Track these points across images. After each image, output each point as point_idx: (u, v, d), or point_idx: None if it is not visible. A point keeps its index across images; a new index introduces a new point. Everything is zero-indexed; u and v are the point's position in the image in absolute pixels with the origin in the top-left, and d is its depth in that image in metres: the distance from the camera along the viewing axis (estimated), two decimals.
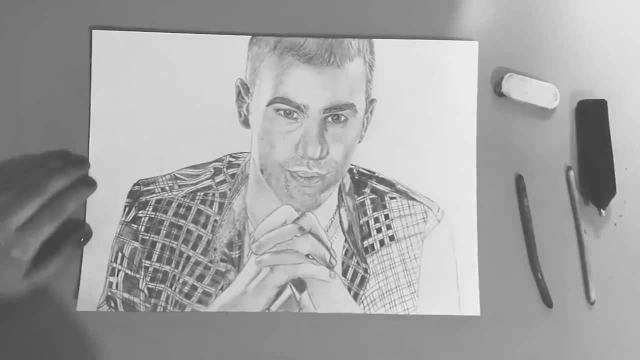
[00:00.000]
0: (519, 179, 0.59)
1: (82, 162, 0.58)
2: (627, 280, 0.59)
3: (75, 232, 0.57)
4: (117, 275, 0.57)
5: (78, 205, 0.56)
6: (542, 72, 0.60)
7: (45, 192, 0.53)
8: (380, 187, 0.59)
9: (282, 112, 0.58)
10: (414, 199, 0.59)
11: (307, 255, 0.58)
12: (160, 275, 0.57)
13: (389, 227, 0.59)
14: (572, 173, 0.59)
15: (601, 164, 0.59)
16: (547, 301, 0.58)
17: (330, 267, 0.58)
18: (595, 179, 0.59)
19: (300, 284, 0.58)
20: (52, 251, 0.54)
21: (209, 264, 0.58)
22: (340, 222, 0.59)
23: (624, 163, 0.60)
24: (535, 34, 0.61)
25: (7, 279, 0.52)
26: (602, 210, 0.58)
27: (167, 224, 0.58)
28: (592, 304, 0.58)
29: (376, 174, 0.59)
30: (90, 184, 0.58)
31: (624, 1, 0.62)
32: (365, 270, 0.58)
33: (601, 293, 0.58)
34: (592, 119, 0.60)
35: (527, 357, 0.58)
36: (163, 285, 0.57)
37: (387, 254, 0.58)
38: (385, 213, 0.59)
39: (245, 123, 0.59)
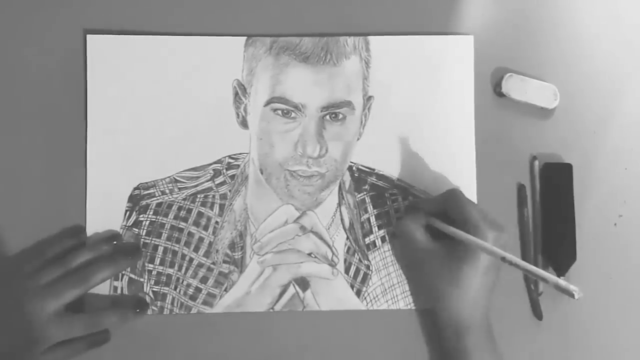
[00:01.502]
0: (520, 189, 0.59)
1: (135, 250, 0.57)
2: (627, 280, 0.59)
3: (132, 303, 0.57)
4: (122, 280, 0.57)
5: (112, 275, 0.56)
6: (542, 72, 0.60)
7: (88, 283, 0.53)
8: (380, 183, 0.59)
9: (279, 112, 0.58)
10: (414, 195, 0.59)
11: (309, 254, 0.58)
12: (164, 278, 0.58)
13: (389, 223, 0.59)
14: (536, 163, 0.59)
15: (562, 230, 0.58)
16: (537, 311, 0.58)
17: (332, 265, 0.58)
18: (555, 244, 0.58)
19: (303, 283, 0.58)
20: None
21: (212, 266, 0.58)
22: (342, 219, 0.59)
23: (623, 163, 0.60)
24: (535, 34, 0.61)
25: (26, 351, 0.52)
26: (561, 277, 0.56)
27: (168, 227, 0.58)
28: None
29: (376, 171, 0.59)
30: (133, 255, 0.57)
31: (624, 1, 0.62)
32: (368, 267, 0.59)
33: (601, 293, 0.59)
34: (557, 182, 0.59)
35: (528, 354, 0.59)
36: (167, 288, 0.58)
37: (389, 250, 0.59)
38: (386, 209, 0.59)
39: (244, 124, 0.59)
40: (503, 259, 0.48)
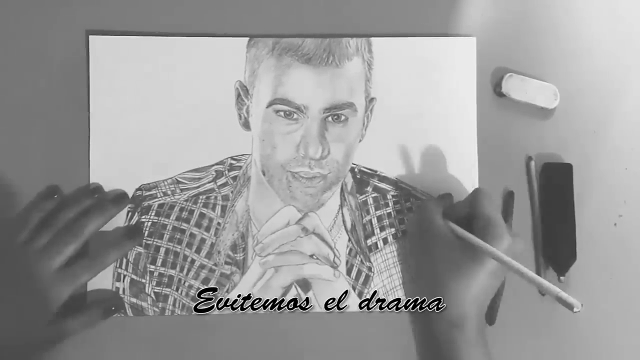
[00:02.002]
0: (507, 198, 0.59)
1: (121, 198, 0.57)
2: (627, 280, 0.59)
3: (108, 301, 0.57)
4: (123, 281, 0.57)
5: (118, 258, 0.57)
6: (542, 72, 0.60)
7: (82, 235, 0.54)
8: (382, 185, 0.59)
9: (282, 113, 0.58)
10: (416, 197, 0.59)
11: (311, 256, 0.58)
12: (166, 279, 0.58)
13: (391, 225, 0.59)
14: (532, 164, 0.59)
15: (562, 230, 0.58)
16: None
17: (334, 266, 0.58)
18: (555, 244, 0.58)
19: (305, 284, 0.58)
20: (79, 308, 0.55)
21: (214, 267, 0.58)
22: (343, 221, 0.59)
23: (624, 163, 0.60)
24: (536, 34, 0.61)
25: (34, 320, 0.52)
26: (561, 277, 0.58)
27: (170, 228, 0.58)
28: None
29: (378, 173, 0.59)
30: (119, 202, 0.57)
31: (624, 1, 0.62)
32: (369, 269, 0.59)
33: (601, 293, 0.59)
34: (557, 182, 0.59)
35: (529, 354, 0.59)
36: (169, 289, 0.58)
37: (391, 252, 0.59)
38: (388, 211, 0.59)
39: (246, 125, 0.59)
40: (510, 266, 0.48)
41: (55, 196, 0.56)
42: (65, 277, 0.53)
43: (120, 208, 0.57)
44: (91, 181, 0.58)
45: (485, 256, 0.50)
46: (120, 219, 0.58)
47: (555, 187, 0.59)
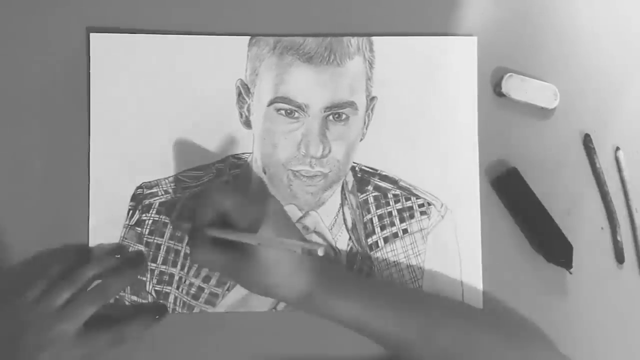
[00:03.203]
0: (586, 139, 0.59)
1: (140, 261, 0.57)
2: (628, 279, 0.60)
3: (148, 313, 0.56)
4: None
5: (124, 288, 0.56)
6: (542, 72, 0.61)
7: (101, 300, 0.53)
8: (383, 184, 0.59)
9: (283, 112, 0.58)
10: (417, 196, 0.59)
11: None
12: (167, 277, 0.58)
13: (392, 224, 0.59)
14: (621, 153, 0.60)
15: (546, 228, 0.58)
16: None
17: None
18: (548, 243, 0.58)
19: None
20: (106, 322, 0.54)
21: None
22: (344, 220, 0.59)
23: (624, 163, 0.60)
24: (536, 34, 0.61)
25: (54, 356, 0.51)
26: (570, 271, 0.58)
27: (171, 227, 0.58)
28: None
29: (379, 172, 0.59)
30: (137, 265, 0.57)
31: (624, 1, 0.62)
32: (370, 268, 0.59)
33: (602, 293, 0.59)
34: (513, 190, 0.59)
35: None
36: (170, 288, 0.58)
37: (391, 250, 0.59)
38: (389, 210, 0.59)
39: (247, 123, 0.59)
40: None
41: (81, 252, 0.57)
42: (83, 341, 0.52)
43: (139, 272, 0.57)
44: (91, 178, 0.58)
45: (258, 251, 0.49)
46: (121, 219, 0.58)
47: (514, 194, 0.59)
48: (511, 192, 0.59)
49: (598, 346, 0.59)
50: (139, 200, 0.58)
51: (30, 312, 0.52)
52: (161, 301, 0.57)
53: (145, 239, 0.58)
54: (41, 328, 0.51)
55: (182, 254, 0.58)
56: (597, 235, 0.60)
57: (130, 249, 0.58)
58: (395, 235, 0.59)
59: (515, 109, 0.60)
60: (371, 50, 0.59)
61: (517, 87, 0.59)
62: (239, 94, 0.59)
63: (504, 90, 0.59)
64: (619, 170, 0.59)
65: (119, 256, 0.57)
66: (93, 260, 0.56)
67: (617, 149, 0.60)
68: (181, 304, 0.57)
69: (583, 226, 0.60)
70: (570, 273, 0.58)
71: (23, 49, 0.59)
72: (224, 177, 0.59)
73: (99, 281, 0.55)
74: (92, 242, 0.57)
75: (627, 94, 0.61)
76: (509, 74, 0.59)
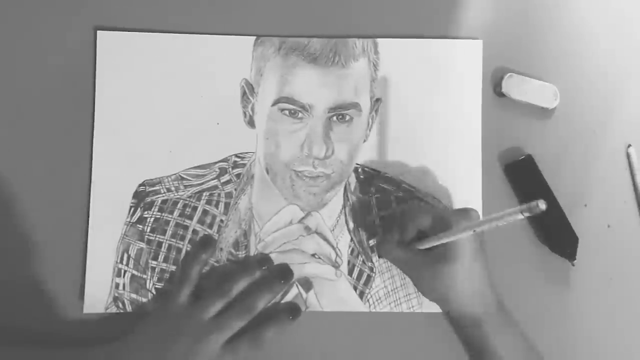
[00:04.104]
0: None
1: (288, 274, 0.57)
2: (628, 279, 0.60)
3: (283, 314, 0.56)
4: (124, 276, 0.57)
5: (270, 301, 0.57)
6: (542, 72, 0.61)
7: (253, 312, 0.54)
8: (386, 186, 0.59)
9: (287, 112, 0.58)
10: (419, 197, 0.59)
11: (313, 255, 0.58)
12: (167, 275, 0.58)
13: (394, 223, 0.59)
14: (632, 150, 0.60)
15: (555, 218, 0.58)
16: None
17: (336, 266, 0.58)
18: (555, 234, 0.58)
19: (306, 283, 0.58)
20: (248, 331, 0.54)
21: (216, 264, 0.58)
22: (346, 221, 0.59)
23: (624, 163, 0.60)
24: (536, 34, 0.61)
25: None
26: (573, 263, 0.58)
27: (173, 225, 0.58)
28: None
29: (381, 173, 0.59)
30: (285, 278, 0.57)
31: (624, 1, 0.63)
32: (371, 269, 0.58)
33: (601, 294, 0.59)
34: (525, 178, 0.59)
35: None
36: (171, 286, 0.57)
37: None
38: (391, 212, 0.59)
39: (251, 123, 0.59)
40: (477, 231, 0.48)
41: (208, 246, 0.57)
42: (229, 351, 0.53)
43: (286, 285, 0.57)
44: (93, 175, 0.58)
45: (455, 252, 0.50)
46: (122, 216, 0.58)
47: (525, 182, 0.59)
48: (524, 179, 0.59)
49: (599, 339, 0.59)
50: (141, 197, 0.58)
51: (184, 319, 0.53)
52: (296, 302, 0.58)
53: (146, 236, 0.58)
54: (195, 336, 0.52)
55: (183, 252, 0.58)
56: (603, 232, 0.60)
57: (277, 263, 0.58)
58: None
59: (515, 109, 0.60)
60: (376, 52, 0.60)
61: (517, 87, 0.59)
62: (244, 94, 0.59)
63: (504, 90, 0.59)
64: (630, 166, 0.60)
65: (265, 268, 0.57)
66: (243, 272, 0.56)
67: (629, 145, 0.60)
68: None
69: (583, 224, 0.59)
70: (573, 265, 0.58)
71: (30, 46, 0.59)
72: (226, 176, 0.59)
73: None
74: (92, 238, 0.57)
75: (627, 94, 0.61)
76: (509, 74, 0.59)
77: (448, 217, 0.51)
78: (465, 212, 0.52)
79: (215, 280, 0.56)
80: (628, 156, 0.60)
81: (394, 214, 0.58)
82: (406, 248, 0.54)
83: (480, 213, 0.59)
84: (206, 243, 0.58)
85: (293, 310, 0.57)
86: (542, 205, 0.40)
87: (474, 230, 0.48)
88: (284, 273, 0.57)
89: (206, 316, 0.53)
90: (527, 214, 0.41)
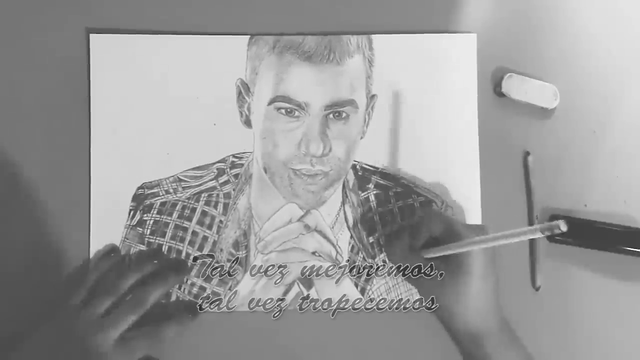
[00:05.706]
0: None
1: (182, 267, 0.57)
2: (628, 279, 0.59)
3: (182, 312, 0.56)
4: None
5: (164, 294, 0.56)
6: (542, 72, 0.60)
7: (144, 306, 0.54)
8: (384, 182, 0.59)
9: (283, 111, 0.58)
10: (417, 193, 0.59)
11: (313, 253, 0.58)
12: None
13: (394, 221, 0.59)
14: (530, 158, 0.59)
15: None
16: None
17: (336, 263, 0.58)
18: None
19: (307, 282, 0.58)
20: (144, 326, 0.54)
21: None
22: (346, 218, 0.59)
23: (624, 163, 0.60)
24: (536, 34, 0.61)
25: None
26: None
27: (172, 226, 0.58)
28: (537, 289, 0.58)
29: (380, 169, 0.59)
30: (180, 271, 0.57)
31: (624, 1, 0.62)
32: (371, 266, 0.59)
33: (601, 293, 0.59)
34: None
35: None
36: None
37: None
38: (390, 208, 0.59)
39: (247, 123, 0.59)
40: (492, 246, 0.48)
41: (112, 255, 0.57)
42: (124, 347, 0.52)
43: (181, 278, 0.57)
44: (92, 179, 0.58)
45: (467, 266, 0.50)
46: (122, 219, 0.58)
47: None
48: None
49: (599, 339, 0.59)
50: (140, 200, 0.58)
51: (74, 320, 0.52)
52: (191, 299, 0.57)
53: (146, 239, 0.58)
54: (85, 336, 0.51)
55: (183, 253, 0.58)
56: None
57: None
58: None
59: (515, 109, 0.60)
60: (371, 48, 0.60)
61: (517, 87, 0.59)
62: (239, 93, 0.59)
63: (504, 90, 0.59)
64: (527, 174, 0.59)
65: (156, 261, 0.57)
66: (133, 267, 0.56)
67: (527, 153, 0.59)
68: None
69: None
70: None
71: (23, 49, 0.59)
72: (224, 177, 0.59)
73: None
74: (93, 243, 0.57)
75: (627, 94, 0.61)
76: (509, 74, 0.59)
77: (460, 230, 0.51)
78: (480, 229, 0.51)
79: (109, 280, 0.56)
80: (524, 162, 0.59)
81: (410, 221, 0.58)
82: (417, 254, 0.53)
83: (478, 207, 0.59)
84: (180, 267, 0.57)
85: (192, 308, 0.57)
86: (563, 226, 0.40)
87: (485, 245, 0.47)
88: (177, 265, 0.57)
89: (95, 314, 0.52)
90: (547, 233, 0.41)
